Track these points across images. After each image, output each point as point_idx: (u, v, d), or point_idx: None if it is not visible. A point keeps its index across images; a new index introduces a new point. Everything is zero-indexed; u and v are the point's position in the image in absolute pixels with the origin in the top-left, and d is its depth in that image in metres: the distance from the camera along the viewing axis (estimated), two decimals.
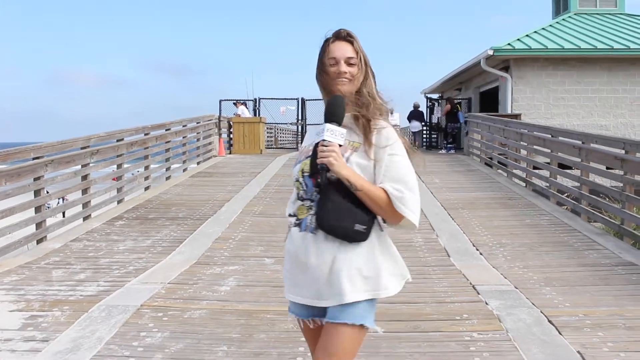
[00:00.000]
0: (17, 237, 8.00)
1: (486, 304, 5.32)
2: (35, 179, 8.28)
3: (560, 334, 4.58)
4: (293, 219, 2.45)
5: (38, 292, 5.82)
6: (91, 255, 7.45)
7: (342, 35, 2.49)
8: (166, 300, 5.53)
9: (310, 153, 2.41)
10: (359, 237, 2.33)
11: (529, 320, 4.86)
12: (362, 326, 2.35)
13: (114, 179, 12.13)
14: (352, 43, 2.48)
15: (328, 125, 2.31)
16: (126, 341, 4.53)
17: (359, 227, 2.31)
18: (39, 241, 8.31)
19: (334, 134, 2.30)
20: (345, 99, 2.38)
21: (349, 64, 2.45)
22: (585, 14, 22.37)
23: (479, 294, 5.63)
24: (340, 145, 2.29)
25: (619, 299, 5.44)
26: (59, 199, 14.14)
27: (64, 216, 8.69)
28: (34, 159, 8.36)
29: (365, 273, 2.35)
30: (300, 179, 2.43)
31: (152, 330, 4.76)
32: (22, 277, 6.41)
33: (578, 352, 4.22)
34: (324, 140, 2.29)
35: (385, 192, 2.31)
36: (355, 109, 2.42)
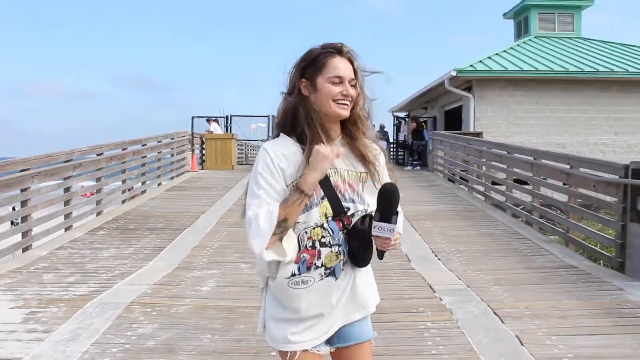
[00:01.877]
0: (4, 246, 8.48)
1: (440, 299, 5.99)
2: (22, 190, 8.77)
3: (503, 322, 5.25)
4: (319, 272, 2.26)
5: (33, 292, 6.33)
6: (77, 261, 7.95)
7: (344, 52, 2.28)
8: (153, 298, 6.09)
9: (322, 194, 2.25)
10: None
11: (477, 312, 5.54)
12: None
13: (84, 195, 12.58)
14: (352, 63, 2.29)
15: (397, 226, 2.19)
16: (121, 331, 5.09)
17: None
18: (24, 249, 8.78)
19: (396, 229, 2.20)
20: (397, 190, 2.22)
21: (351, 86, 2.26)
22: (545, 37, 23.48)
23: (434, 292, 6.30)
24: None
25: (556, 295, 6.16)
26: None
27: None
28: (21, 171, 8.84)
29: (372, 285, 2.44)
30: (326, 225, 2.25)
31: (143, 322, 5.32)
32: (15, 280, 6.90)
33: (516, 336, 4.89)
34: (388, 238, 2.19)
35: None
36: (350, 134, 2.34)
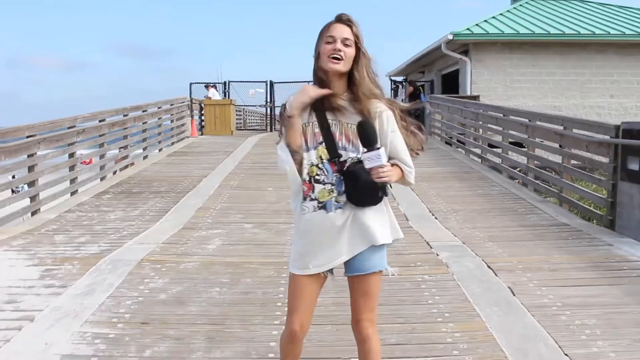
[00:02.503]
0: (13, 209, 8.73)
1: (437, 255, 6.27)
2: (29, 156, 8.99)
3: (496, 275, 5.54)
4: (313, 203, 2.71)
5: (47, 252, 6.60)
6: (86, 223, 8.21)
7: (342, 19, 2.70)
8: (162, 255, 6.37)
9: (321, 139, 2.70)
10: (380, 202, 2.74)
11: (472, 266, 5.82)
12: (382, 271, 2.83)
13: (83, 163, 12.78)
14: (350, 27, 2.69)
15: (380, 151, 2.53)
16: (133, 286, 5.36)
17: (382, 195, 2.73)
18: (33, 213, 9.03)
19: (383, 156, 2.53)
20: (372, 124, 2.62)
21: (345, 44, 2.66)
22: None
23: (431, 248, 6.58)
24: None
25: (548, 250, 6.45)
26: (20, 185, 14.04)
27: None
28: (28, 137, 9.04)
29: (383, 222, 2.80)
30: (320, 165, 2.69)
31: (153, 277, 5.60)
32: (28, 241, 7.17)
33: (508, 287, 5.18)
34: (380, 165, 2.52)
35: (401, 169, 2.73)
36: (353, 92, 2.71)
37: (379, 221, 2.78)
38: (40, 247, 6.82)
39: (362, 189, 2.66)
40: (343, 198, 2.70)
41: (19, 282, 5.50)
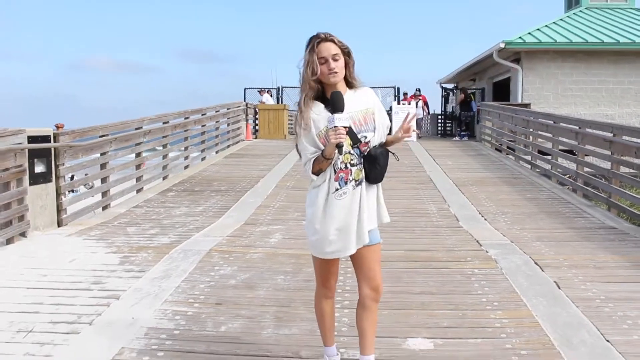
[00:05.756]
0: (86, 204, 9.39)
1: (486, 252, 6.61)
2: (102, 154, 9.64)
3: (543, 271, 5.85)
4: (352, 184, 3.18)
5: (122, 241, 7.18)
6: (154, 217, 8.80)
7: (326, 38, 3.13)
8: (228, 247, 6.88)
9: (345, 133, 3.10)
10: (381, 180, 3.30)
11: (519, 262, 6.14)
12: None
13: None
14: (333, 41, 3.13)
15: (336, 115, 3.07)
16: (205, 272, 5.86)
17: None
18: (104, 208, 9.67)
19: (341, 120, 3.06)
20: (341, 93, 3.14)
21: (334, 59, 3.12)
22: (596, 8, 23.37)
23: (481, 246, 6.92)
24: (345, 127, 3.07)
25: (594, 250, 6.72)
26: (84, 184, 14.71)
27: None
28: (100, 136, 9.69)
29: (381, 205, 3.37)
30: (351, 151, 3.17)
31: (222, 265, 6.10)
32: (104, 232, 7.77)
33: (554, 282, 5.49)
34: (335, 126, 3.05)
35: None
36: (352, 87, 3.28)
37: (380, 204, 3.37)
38: (116, 237, 7.40)
39: (378, 168, 3.21)
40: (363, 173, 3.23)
41: (102, 266, 6.06)
